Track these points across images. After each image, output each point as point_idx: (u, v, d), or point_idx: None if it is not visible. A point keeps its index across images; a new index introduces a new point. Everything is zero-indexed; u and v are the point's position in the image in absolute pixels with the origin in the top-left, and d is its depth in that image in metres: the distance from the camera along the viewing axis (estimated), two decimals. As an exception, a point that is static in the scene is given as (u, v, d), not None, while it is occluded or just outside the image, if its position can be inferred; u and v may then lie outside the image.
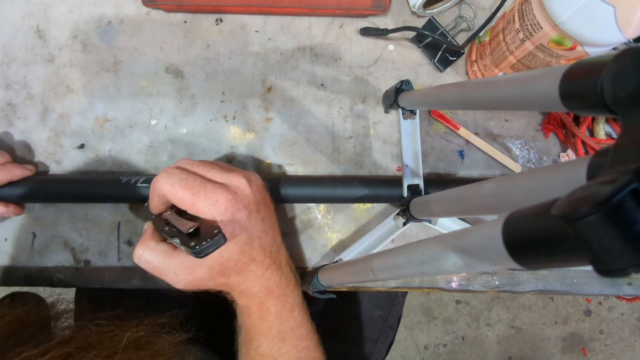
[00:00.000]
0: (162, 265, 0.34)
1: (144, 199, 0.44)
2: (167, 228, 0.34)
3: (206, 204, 0.32)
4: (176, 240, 0.32)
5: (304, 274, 0.44)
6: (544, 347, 1.33)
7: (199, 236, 0.31)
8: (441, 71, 0.48)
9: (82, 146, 0.46)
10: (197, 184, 0.33)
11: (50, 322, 0.42)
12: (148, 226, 0.37)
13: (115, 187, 0.42)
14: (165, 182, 0.33)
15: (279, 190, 0.43)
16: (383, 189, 0.43)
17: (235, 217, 0.33)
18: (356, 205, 0.46)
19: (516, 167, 0.47)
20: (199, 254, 0.30)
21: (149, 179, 0.42)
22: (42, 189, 0.43)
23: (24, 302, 0.40)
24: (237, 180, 0.34)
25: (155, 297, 0.55)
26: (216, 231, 0.30)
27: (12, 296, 0.51)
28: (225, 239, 0.31)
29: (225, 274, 0.34)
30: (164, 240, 0.36)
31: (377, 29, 0.47)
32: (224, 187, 0.33)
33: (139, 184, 0.42)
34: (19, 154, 0.46)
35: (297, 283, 0.40)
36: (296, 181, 0.44)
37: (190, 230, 0.32)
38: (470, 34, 0.48)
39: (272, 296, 0.36)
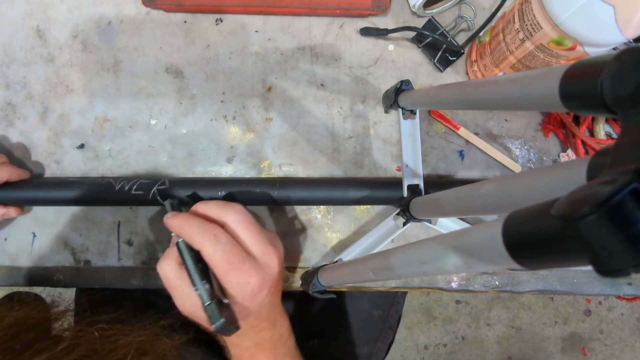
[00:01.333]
0: (177, 288, 0.34)
1: (139, 202, 0.44)
2: (199, 265, 0.34)
3: (236, 282, 0.33)
4: (201, 291, 0.33)
5: (304, 274, 0.44)
6: (544, 347, 1.33)
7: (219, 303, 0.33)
8: (441, 71, 0.48)
9: (82, 146, 0.46)
10: (238, 259, 0.33)
11: (50, 324, 0.41)
12: (177, 246, 0.36)
13: (109, 193, 0.42)
14: (208, 247, 0.32)
15: (276, 193, 0.43)
16: (381, 191, 0.43)
17: (256, 299, 0.34)
18: (356, 205, 0.46)
19: (516, 167, 0.47)
20: (214, 326, 0.32)
21: (142, 185, 0.42)
22: (37, 192, 0.43)
23: (23, 303, 0.40)
24: (271, 260, 0.34)
25: (155, 297, 0.55)
26: (233, 323, 0.33)
27: (10, 297, 0.51)
28: (238, 328, 0.33)
29: None
30: (182, 264, 0.35)
31: (377, 29, 0.47)
32: (258, 268, 0.33)
33: (133, 191, 0.42)
34: (18, 154, 0.46)
35: (289, 334, 0.40)
36: (294, 184, 0.44)
37: (219, 300, 0.33)
38: (470, 34, 0.48)
39: (263, 350, 0.37)
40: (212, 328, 0.32)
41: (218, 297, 0.33)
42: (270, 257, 0.34)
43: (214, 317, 0.32)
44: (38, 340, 0.36)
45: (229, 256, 0.32)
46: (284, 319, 0.39)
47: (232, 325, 0.33)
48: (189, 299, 0.33)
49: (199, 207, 0.36)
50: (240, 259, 0.33)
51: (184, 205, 0.44)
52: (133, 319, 0.38)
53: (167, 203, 0.40)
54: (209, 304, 0.32)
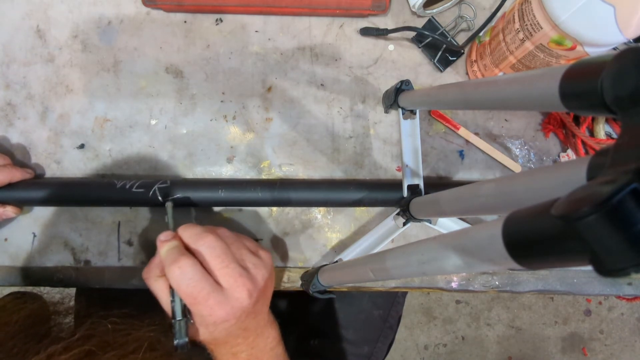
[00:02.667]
0: (159, 296, 0.36)
1: (140, 202, 0.44)
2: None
3: (200, 314, 0.34)
4: (176, 307, 0.35)
5: (304, 274, 0.44)
6: (544, 347, 1.33)
7: (186, 318, 0.35)
8: (441, 71, 0.48)
9: (82, 146, 0.46)
10: (203, 294, 0.33)
11: (57, 319, 0.42)
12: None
13: (111, 191, 0.43)
14: (173, 279, 0.33)
15: (276, 194, 0.43)
16: (381, 193, 0.43)
17: (221, 327, 0.35)
18: (356, 206, 0.46)
19: (516, 167, 0.47)
20: (176, 342, 0.34)
21: (144, 183, 0.42)
22: (38, 192, 0.43)
23: (34, 299, 0.41)
24: (239, 292, 0.34)
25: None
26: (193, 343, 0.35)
27: (19, 294, 0.51)
28: (194, 348, 0.35)
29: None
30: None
31: (377, 29, 0.47)
32: (223, 302, 0.34)
33: (134, 189, 0.42)
34: (18, 154, 0.46)
35: (276, 343, 0.41)
36: (294, 185, 0.44)
37: (182, 318, 0.35)
38: (470, 34, 0.48)
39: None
40: (174, 342, 0.34)
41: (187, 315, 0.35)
42: (239, 290, 0.34)
43: (179, 334, 0.34)
44: (53, 330, 0.37)
45: (193, 290, 0.33)
46: (267, 332, 0.39)
47: (191, 346, 0.35)
48: (167, 308, 0.36)
49: (181, 230, 0.37)
50: (205, 294, 0.33)
51: (185, 206, 0.44)
52: (143, 315, 0.39)
53: (168, 205, 0.40)
54: (179, 320, 0.34)
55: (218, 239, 0.35)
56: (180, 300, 0.35)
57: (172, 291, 0.35)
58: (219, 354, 0.38)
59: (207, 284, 0.33)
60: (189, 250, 0.35)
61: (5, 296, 0.47)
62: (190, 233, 0.36)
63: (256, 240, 0.46)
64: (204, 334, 0.35)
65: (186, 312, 0.35)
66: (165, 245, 0.35)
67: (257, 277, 0.36)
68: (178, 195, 0.42)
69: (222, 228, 0.38)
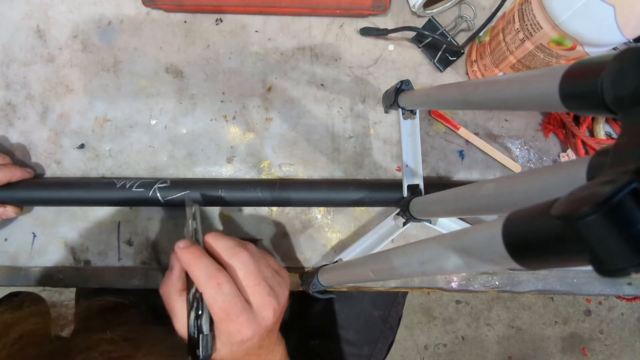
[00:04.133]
0: (177, 313, 0.36)
1: (140, 202, 0.44)
2: (199, 293, 0.34)
3: (229, 331, 0.33)
4: (204, 321, 0.34)
5: (304, 274, 0.44)
6: (544, 347, 1.33)
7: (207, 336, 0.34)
8: (441, 71, 0.48)
9: (82, 146, 0.46)
10: (236, 311, 0.33)
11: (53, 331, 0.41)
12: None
13: (111, 191, 0.43)
14: (209, 294, 0.33)
15: (276, 194, 0.43)
16: (381, 193, 0.43)
17: (243, 345, 0.34)
18: (356, 206, 0.46)
19: (516, 167, 0.47)
20: (202, 356, 0.33)
21: (144, 183, 0.42)
22: (38, 192, 0.43)
23: (25, 308, 0.40)
24: (267, 311, 0.34)
25: (157, 299, 0.55)
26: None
27: (11, 297, 0.51)
28: None
29: None
30: (183, 290, 0.36)
31: (377, 29, 0.47)
32: (253, 320, 0.33)
33: (134, 189, 0.42)
34: (18, 154, 0.46)
35: (281, 358, 0.41)
36: (294, 185, 0.44)
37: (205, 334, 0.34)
38: (470, 34, 0.48)
39: None
40: (200, 356, 0.33)
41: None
42: (266, 309, 0.34)
43: (205, 349, 0.33)
44: (45, 352, 0.36)
45: (228, 307, 0.33)
46: (277, 350, 0.39)
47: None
48: (181, 324, 0.35)
49: (211, 240, 0.36)
50: (238, 311, 0.33)
51: (178, 205, 0.44)
52: (140, 336, 0.39)
53: (194, 208, 0.39)
54: (207, 335, 0.34)
55: (251, 256, 0.35)
56: (209, 315, 0.34)
57: (193, 306, 0.34)
58: None
59: (239, 301, 0.33)
60: (218, 262, 0.35)
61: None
62: (224, 245, 0.35)
63: (256, 240, 0.46)
64: (224, 352, 0.35)
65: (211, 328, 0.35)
66: (192, 256, 0.34)
67: (281, 296, 0.36)
68: (178, 195, 0.42)
69: (249, 243, 0.38)
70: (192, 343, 0.34)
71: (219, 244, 0.35)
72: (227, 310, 0.33)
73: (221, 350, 0.35)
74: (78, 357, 0.35)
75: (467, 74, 0.48)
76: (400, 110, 0.43)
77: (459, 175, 0.47)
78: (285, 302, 0.37)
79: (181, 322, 0.35)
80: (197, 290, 0.34)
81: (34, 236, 0.46)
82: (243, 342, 0.34)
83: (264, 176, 0.47)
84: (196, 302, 0.34)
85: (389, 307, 0.61)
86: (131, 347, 0.37)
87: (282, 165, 0.47)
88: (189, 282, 0.35)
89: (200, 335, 0.34)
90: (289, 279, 0.39)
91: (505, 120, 0.48)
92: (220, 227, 0.46)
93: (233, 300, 0.33)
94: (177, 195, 0.42)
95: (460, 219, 0.45)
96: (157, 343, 0.38)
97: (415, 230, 0.46)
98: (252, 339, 0.34)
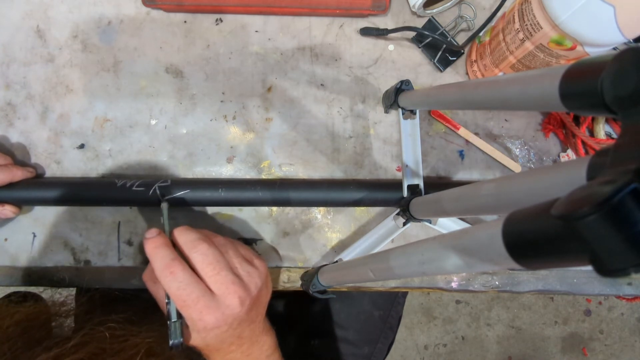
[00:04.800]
0: (157, 297, 0.38)
1: (140, 202, 0.44)
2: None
3: (190, 318, 0.34)
4: (171, 307, 0.35)
5: (304, 274, 0.44)
6: (544, 347, 1.33)
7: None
8: (441, 71, 0.48)
9: (82, 146, 0.46)
10: (192, 298, 0.33)
11: (58, 320, 0.42)
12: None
13: (111, 191, 0.43)
14: (164, 283, 0.34)
15: (276, 194, 0.43)
16: (381, 193, 0.43)
17: (212, 333, 0.35)
18: (356, 206, 0.46)
19: (516, 167, 0.47)
20: (171, 342, 0.35)
21: (144, 182, 0.42)
22: (37, 192, 0.43)
23: (31, 300, 0.41)
24: (230, 300, 0.35)
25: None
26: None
27: (20, 295, 0.51)
28: (188, 349, 0.36)
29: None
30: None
31: (377, 29, 0.47)
32: (213, 307, 0.34)
33: (134, 188, 0.42)
34: (18, 154, 0.46)
35: (272, 350, 0.41)
36: (294, 185, 0.44)
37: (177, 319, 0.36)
38: (470, 34, 0.48)
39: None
40: (169, 343, 0.34)
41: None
42: (230, 297, 0.35)
43: (174, 335, 0.35)
44: (47, 337, 0.37)
45: (182, 294, 0.33)
46: (262, 340, 0.40)
47: (186, 346, 0.35)
48: (165, 310, 0.36)
49: (176, 233, 0.37)
50: (195, 298, 0.33)
51: (185, 206, 0.44)
52: (143, 320, 0.39)
53: (163, 206, 0.40)
54: (174, 321, 0.35)
55: (211, 247, 0.36)
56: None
57: (167, 294, 0.35)
58: None
59: (196, 289, 0.34)
60: (182, 255, 0.35)
61: (0, 299, 0.47)
62: (185, 239, 0.36)
63: (256, 241, 0.46)
64: (195, 339, 0.36)
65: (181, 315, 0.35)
66: (153, 246, 0.35)
67: (250, 285, 0.36)
68: (178, 195, 0.42)
69: (219, 236, 0.39)
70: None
71: (181, 237, 0.36)
72: (182, 297, 0.33)
73: (194, 339, 0.36)
74: (81, 331, 0.36)
75: (467, 74, 0.48)
76: (400, 110, 0.43)
77: (459, 175, 0.47)
78: (257, 291, 0.37)
79: (161, 305, 0.37)
80: None
81: (34, 236, 0.46)
82: (208, 330, 0.34)
83: (264, 176, 0.47)
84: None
85: (389, 307, 0.61)
86: (133, 327, 0.38)
87: (282, 165, 0.47)
88: None
89: (168, 322, 0.35)
90: (265, 268, 0.39)
91: (505, 120, 0.48)
92: (220, 226, 0.46)
93: (188, 288, 0.33)
94: (178, 194, 0.42)
95: (460, 219, 0.45)
96: (158, 324, 0.39)
97: (415, 230, 0.46)
98: (218, 326, 0.34)
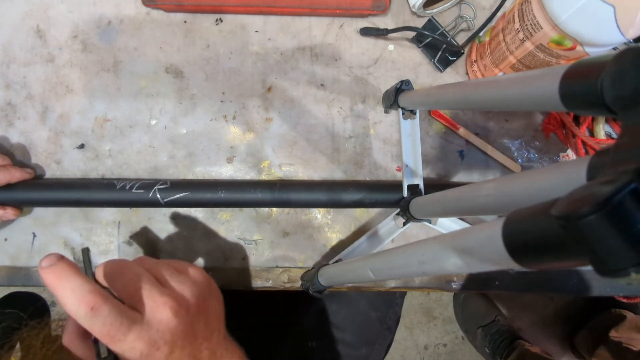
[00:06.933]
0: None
1: (139, 204, 0.44)
2: None
3: (122, 351, 0.29)
4: (101, 346, 0.30)
5: (304, 274, 0.44)
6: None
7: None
8: (441, 71, 0.48)
9: (82, 146, 0.46)
10: (121, 332, 0.28)
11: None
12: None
13: (111, 192, 0.43)
14: (83, 321, 0.28)
15: (276, 195, 0.43)
16: (381, 194, 0.43)
17: (153, 357, 0.30)
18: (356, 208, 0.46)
19: (516, 167, 0.47)
20: None
21: (144, 184, 0.42)
22: (37, 193, 0.43)
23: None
24: (161, 312, 0.30)
25: None
26: None
27: (8, 297, 0.51)
28: None
29: None
30: None
31: (377, 29, 0.47)
32: (143, 332, 0.29)
33: (134, 190, 0.42)
34: (18, 154, 0.46)
35: None
36: (294, 186, 0.44)
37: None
38: (470, 34, 0.48)
39: None
40: None
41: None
42: (161, 310, 0.30)
43: None
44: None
45: (110, 330, 0.28)
46: (226, 355, 0.35)
47: None
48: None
49: (97, 271, 0.32)
50: (124, 331, 0.28)
51: (185, 207, 0.44)
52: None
53: (83, 251, 0.35)
54: (105, 357, 0.30)
55: (132, 265, 0.32)
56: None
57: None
58: None
59: (124, 319, 0.29)
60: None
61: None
62: (104, 272, 0.31)
63: (255, 241, 0.46)
64: None
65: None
66: (55, 276, 0.28)
67: (184, 294, 0.32)
68: (178, 196, 0.42)
69: (151, 259, 0.35)
70: None
71: (100, 272, 0.32)
72: (110, 333, 0.28)
73: None
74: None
75: (467, 74, 0.48)
76: (400, 110, 0.43)
77: (459, 176, 0.47)
78: (194, 300, 0.33)
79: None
80: None
81: (34, 236, 0.46)
82: (147, 356, 0.30)
83: (264, 176, 0.47)
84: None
85: (386, 307, 0.61)
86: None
87: (282, 165, 0.47)
88: None
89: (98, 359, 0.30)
90: (202, 276, 0.35)
91: (505, 120, 0.48)
92: (220, 227, 0.46)
93: (115, 322, 0.28)
94: (178, 196, 0.42)
95: (460, 219, 0.45)
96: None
97: (415, 230, 0.46)
98: (155, 348, 0.30)
